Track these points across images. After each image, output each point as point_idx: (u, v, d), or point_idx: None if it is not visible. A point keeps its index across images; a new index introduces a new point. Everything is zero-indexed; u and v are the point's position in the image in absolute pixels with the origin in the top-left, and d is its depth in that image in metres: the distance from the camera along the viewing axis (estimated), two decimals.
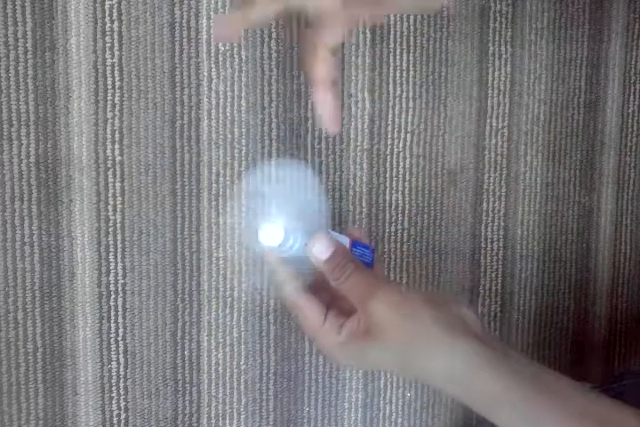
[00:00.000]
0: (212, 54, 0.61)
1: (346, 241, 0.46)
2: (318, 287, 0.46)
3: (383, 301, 0.42)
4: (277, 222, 0.43)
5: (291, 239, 0.44)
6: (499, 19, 0.70)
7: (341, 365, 0.45)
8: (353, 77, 0.66)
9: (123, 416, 0.62)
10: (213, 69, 0.62)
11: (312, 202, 0.59)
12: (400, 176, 0.68)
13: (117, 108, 0.59)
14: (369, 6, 0.43)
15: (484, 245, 0.72)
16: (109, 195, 0.60)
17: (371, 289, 0.43)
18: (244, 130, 0.63)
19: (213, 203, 0.63)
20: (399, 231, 0.69)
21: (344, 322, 0.44)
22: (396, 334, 0.42)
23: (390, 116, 0.67)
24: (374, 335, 0.42)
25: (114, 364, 0.61)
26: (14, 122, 0.57)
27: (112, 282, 0.61)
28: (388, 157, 0.68)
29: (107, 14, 0.58)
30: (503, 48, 0.70)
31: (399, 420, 0.70)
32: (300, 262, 0.45)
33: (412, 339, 0.41)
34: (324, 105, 0.43)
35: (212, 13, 0.61)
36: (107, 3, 0.58)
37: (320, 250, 0.44)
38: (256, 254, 0.62)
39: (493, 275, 0.72)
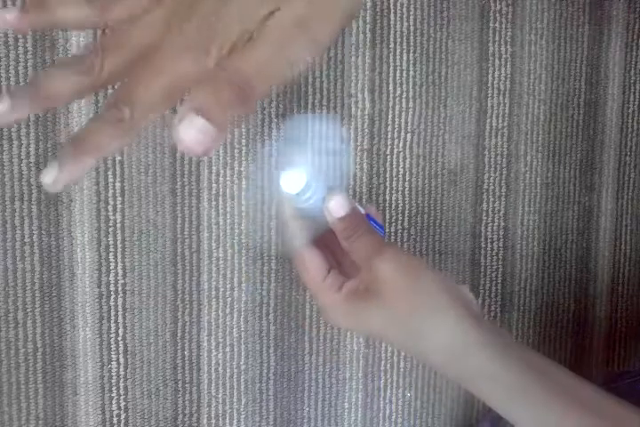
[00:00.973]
0: None
1: (361, 212, 0.47)
2: (324, 249, 0.46)
3: (390, 261, 0.42)
4: (301, 171, 0.43)
5: (310, 191, 0.43)
6: (499, 19, 0.70)
7: (338, 325, 0.44)
8: (353, 77, 0.66)
9: (123, 416, 0.62)
10: None
11: (339, 163, 0.59)
12: (400, 176, 0.68)
13: None
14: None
15: (483, 245, 0.72)
16: (109, 195, 0.60)
17: (379, 250, 0.42)
18: (243, 130, 0.63)
19: (213, 203, 0.63)
20: (399, 231, 0.69)
21: (345, 281, 0.44)
22: (400, 297, 0.41)
23: (390, 116, 0.67)
24: (377, 295, 0.42)
25: (114, 364, 0.61)
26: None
27: (112, 282, 0.61)
28: (388, 157, 0.68)
29: None
30: (503, 48, 0.70)
31: (399, 420, 0.70)
32: (313, 217, 0.45)
33: (415, 304, 0.41)
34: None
35: None
36: None
37: (337, 207, 0.43)
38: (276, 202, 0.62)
39: (493, 275, 0.72)
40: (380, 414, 0.70)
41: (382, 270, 0.42)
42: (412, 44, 0.67)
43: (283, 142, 0.63)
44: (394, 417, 0.70)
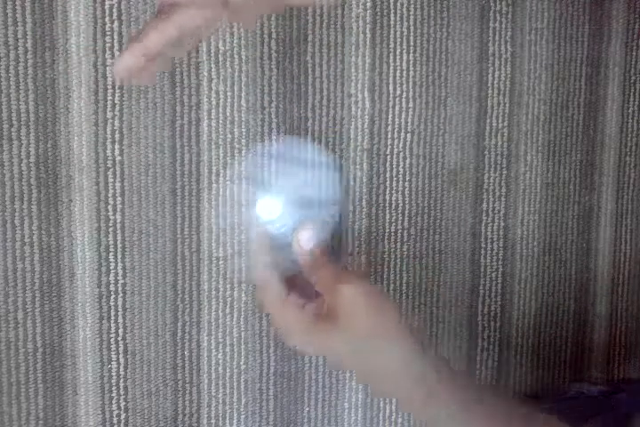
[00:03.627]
0: (212, 54, 0.61)
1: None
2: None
3: (353, 287, 0.43)
4: (279, 200, 0.45)
5: (284, 220, 0.45)
6: (499, 19, 0.70)
7: (298, 344, 0.46)
8: (353, 77, 0.66)
9: (123, 416, 0.62)
10: (213, 69, 0.62)
11: (321, 190, 0.60)
12: (400, 176, 0.68)
13: (117, 108, 0.59)
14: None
15: (483, 245, 0.72)
16: (109, 195, 0.60)
17: (342, 277, 0.44)
18: (243, 130, 0.63)
19: (213, 203, 0.63)
20: (399, 231, 0.69)
21: (305, 303, 0.45)
22: (360, 321, 0.43)
23: (390, 116, 0.67)
24: (338, 318, 0.43)
25: (114, 364, 0.61)
26: (14, 122, 0.57)
27: (112, 282, 0.61)
28: (388, 157, 0.68)
29: (107, 14, 0.58)
30: (503, 48, 0.70)
31: (399, 420, 0.70)
32: (280, 243, 0.46)
33: (376, 331, 0.43)
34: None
35: None
36: (107, 3, 0.58)
37: (306, 239, 0.46)
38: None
39: (493, 275, 0.72)
40: (380, 415, 0.70)
41: (344, 296, 0.43)
42: (412, 44, 0.67)
43: (265, 166, 0.63)
44: (394, 417, 0.70)
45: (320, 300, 0.45)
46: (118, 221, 0.60)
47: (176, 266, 0.62)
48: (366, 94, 0.66)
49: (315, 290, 0.46)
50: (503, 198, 0.72)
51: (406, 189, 0.69)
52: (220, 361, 0.64)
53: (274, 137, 0.63)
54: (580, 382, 0.71)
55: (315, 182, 0.62)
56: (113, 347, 0.61)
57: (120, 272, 0.61)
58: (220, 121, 0.62)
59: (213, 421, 0.65)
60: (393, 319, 0.43)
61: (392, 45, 0.67)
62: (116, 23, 0.59)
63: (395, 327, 0.43)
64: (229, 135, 0.63)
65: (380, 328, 0.43)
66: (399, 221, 0.69)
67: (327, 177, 0.63)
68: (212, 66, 0.62)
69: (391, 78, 0.67)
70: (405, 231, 0.69)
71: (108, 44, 0.59)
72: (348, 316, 0.43)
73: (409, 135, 0.68)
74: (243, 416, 0.65)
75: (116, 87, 0.59)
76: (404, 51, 0.67)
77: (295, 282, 0.47)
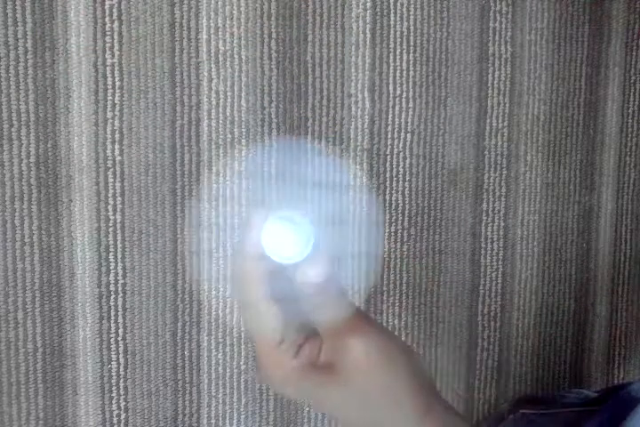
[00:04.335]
0: (212, 54, 0.61)
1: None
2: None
3: (363, 340, 0.38)
4: (288, 231, 0.38)
5: (292, 252, 0.37)
6: (499, 19, 0.70)
7: (287, 396, 0.40)
8: (353, 77, 0.66)
9: (123, 416, 0.62)
10: (213, 69, 0.62)
11: (337, 214, 0.58)
12: (400, 176, 0.68)
13: (117, 108, 0.59)
14: None
15: (483, 245, 0.72)
16: (109, 195, 0.60)
17: (352, 325, 0.38)
18: (243, 130, 0.63)
19: (213, 203, 0.63)
20: (399, 231, 0.69)
21: (303, 343, 0.39)
22: (366, 379, 0.38)
23: (390, 116, 0.67)
24: (340, 372, 0.38)
25: (114, 364, 0.61)
26: (14, 122, 0.57)
27: (112, 282, 0.61)
28: (388, 157, 0.68)
29: (107, 14, 0.58)
30: (503, 48, 0.70)
31: None
32: (281, 273, 0.38)
33: (380, 392, 0.38)
34: None
35: (211, 13, 0.61)
36: (107, 3, 0.58)
37: (314, 274, 0.37)
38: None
39: (493, 275, 0.72)
40: None
41: (352, 349, 0.37)
42: (411, 44, 0.67)
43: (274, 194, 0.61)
44: None
45: (317, 341, 0.39)
46: (118, 221, 0.60)
47: (176, 266, 0.62)
48: (366, 94, 0.66)
49: (313, 328, 0.39)
50: (503, 198, 0.72)
51: (406, 189, 0.69)
52: (220, 361, 0.64)
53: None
54: (577, 388, 0.71)
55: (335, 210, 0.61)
56: (113, 347, 0.61)
57: (120, 272, 0.61)
58: (220, 121, 0.62)
59: (213, 421, 0.65)
60: (402, 379, 0.38)
61: (392, 45, 0.67)
62: (116, 23, 0.59)
63: (401, 391, 0.38)
64: (229, 135, 0.63)
65: (384, 389, 0.38)
66: (399, 221, 0.69)
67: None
68: (212, 66, 0.62)
69: (391, 78, 0.67)
70: (405, 231, 0.69)
71: (108, 44, 0.59)
72: (352, 372, 0.37)
73: (409, 135, 0.68)
74: (243, 416, 0.65)
75: (116, 87, 0.59)
76: (404, 51, 0.67)
77: (293, 315, 0.39)
